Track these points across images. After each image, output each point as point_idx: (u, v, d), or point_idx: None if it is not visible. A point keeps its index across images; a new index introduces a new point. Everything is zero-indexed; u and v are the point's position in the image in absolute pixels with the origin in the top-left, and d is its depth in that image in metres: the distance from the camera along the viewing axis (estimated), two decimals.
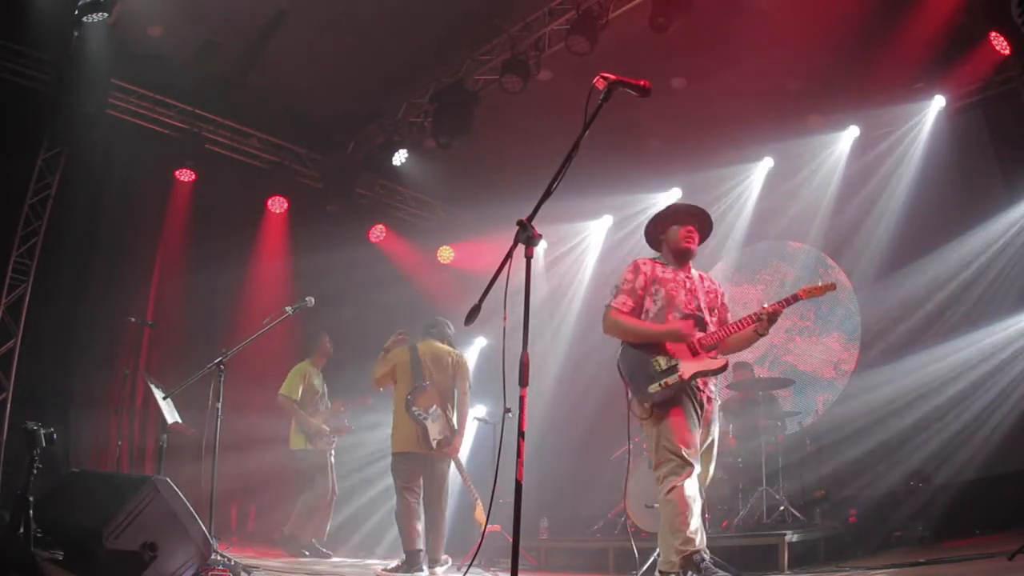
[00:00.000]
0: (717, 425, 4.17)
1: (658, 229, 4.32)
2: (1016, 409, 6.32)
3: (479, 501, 6.74)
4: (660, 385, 3.93)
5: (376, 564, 6.63)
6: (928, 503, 6.22)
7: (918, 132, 7.57)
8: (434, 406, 5.85)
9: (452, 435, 5.90)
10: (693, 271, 4.28)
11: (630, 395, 4.07)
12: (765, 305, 4.02)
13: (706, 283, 4.30)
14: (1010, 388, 6.42)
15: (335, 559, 7.03)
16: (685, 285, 4.17)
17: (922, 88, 7.46)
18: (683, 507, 3.72)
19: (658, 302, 4.12)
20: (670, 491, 3.78)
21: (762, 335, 4.04)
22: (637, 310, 4.13)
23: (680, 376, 3.94)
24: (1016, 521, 5.46)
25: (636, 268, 4.20)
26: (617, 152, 7.28)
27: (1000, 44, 6.47)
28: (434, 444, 5.77)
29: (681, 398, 3.95)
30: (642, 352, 4.04)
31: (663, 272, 4.18)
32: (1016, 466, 6.14)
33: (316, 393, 7.32)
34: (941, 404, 6.69)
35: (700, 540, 3.74)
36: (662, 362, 3.99)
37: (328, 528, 7.23)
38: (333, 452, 7.35)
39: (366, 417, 7.69)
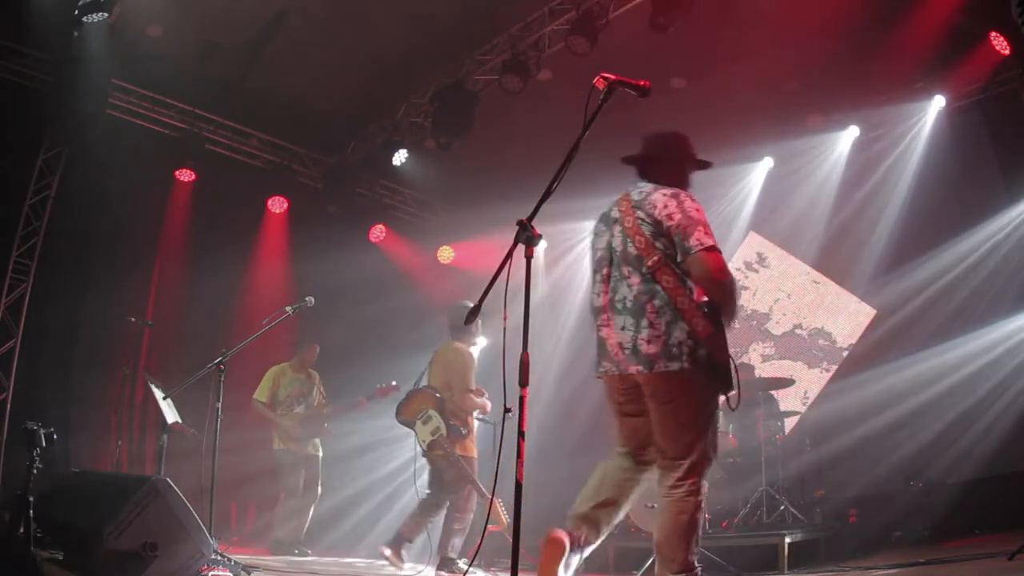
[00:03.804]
0: None
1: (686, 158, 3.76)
2: (1016, 409, 6.32)
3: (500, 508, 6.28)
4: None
5: (358, 562, 6.69)
6: (928, 503, 6.22)
7: (918, 132, 7.57)
8: (426, 409, 5.78)
9: (448, 435, 5.73)
10: None
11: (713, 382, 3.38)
12: None
13: None
14: (1010, 388, 6.42)
15: (311, 556, 6.96)
16: None
17: (922, 88, 7.46)
18: None
19: None
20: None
21: None
22: None
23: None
24: (1016, 521, 5.45)
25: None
26: (617, 152, 7.27)
27: (1000, 44, 6.47)
28: (424, 446, 5.75)
29: None
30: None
31: None
32: (1016, 466, 6.14)
33: (291, 394, 7.24)
34: (941, 403, 6.69)
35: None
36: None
37: (304, 529, 7.10)
38: (318, 451, 7.26)
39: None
